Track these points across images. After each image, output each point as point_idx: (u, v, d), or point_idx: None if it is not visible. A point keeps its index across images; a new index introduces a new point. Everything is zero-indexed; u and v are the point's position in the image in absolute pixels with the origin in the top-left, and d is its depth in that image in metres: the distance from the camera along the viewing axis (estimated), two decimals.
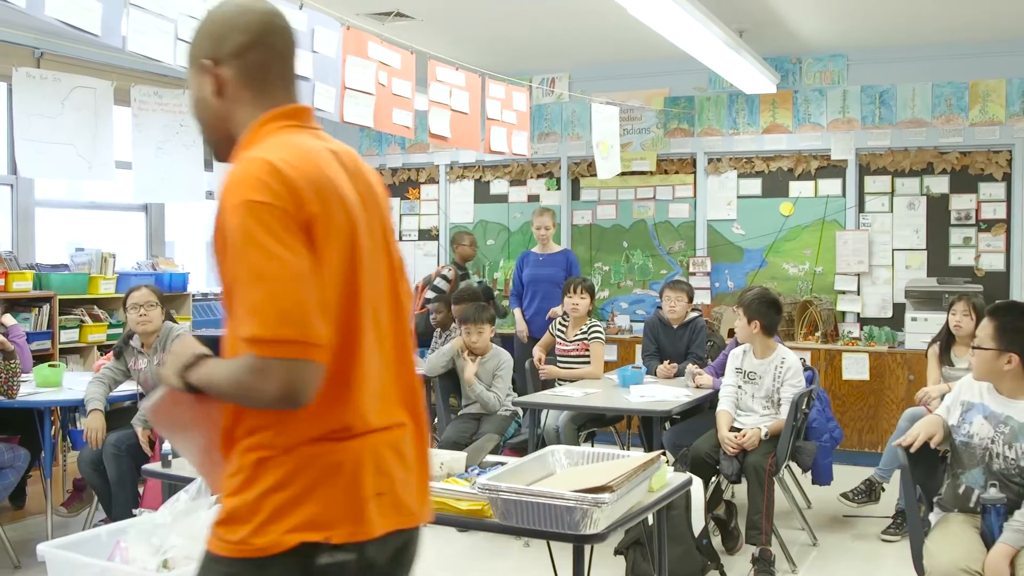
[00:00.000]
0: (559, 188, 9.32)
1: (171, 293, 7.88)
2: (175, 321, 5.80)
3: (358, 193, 1.99)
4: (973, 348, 3.77)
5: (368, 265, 1.97)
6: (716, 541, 5.32)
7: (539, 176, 9.42)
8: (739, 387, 5.56)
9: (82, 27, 3.48)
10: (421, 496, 2.10)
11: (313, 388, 1.81)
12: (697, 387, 6.00)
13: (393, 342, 2.05)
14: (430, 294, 8.28)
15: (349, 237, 1.92)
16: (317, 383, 1.81)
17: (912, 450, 3.72)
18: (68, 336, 7.47)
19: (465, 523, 3.30)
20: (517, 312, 8.09)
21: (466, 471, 3.59)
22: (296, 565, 1.86)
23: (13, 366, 5.38)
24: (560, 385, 6.45)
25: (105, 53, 7.55)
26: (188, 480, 3.06)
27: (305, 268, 1.79)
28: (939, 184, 7.99)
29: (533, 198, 9.41)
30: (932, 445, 3.74)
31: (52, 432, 5.70)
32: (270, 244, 1.77)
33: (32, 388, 5.72)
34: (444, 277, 8.56)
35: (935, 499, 3.85)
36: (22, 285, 7.15)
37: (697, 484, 4.52)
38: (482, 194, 9.71)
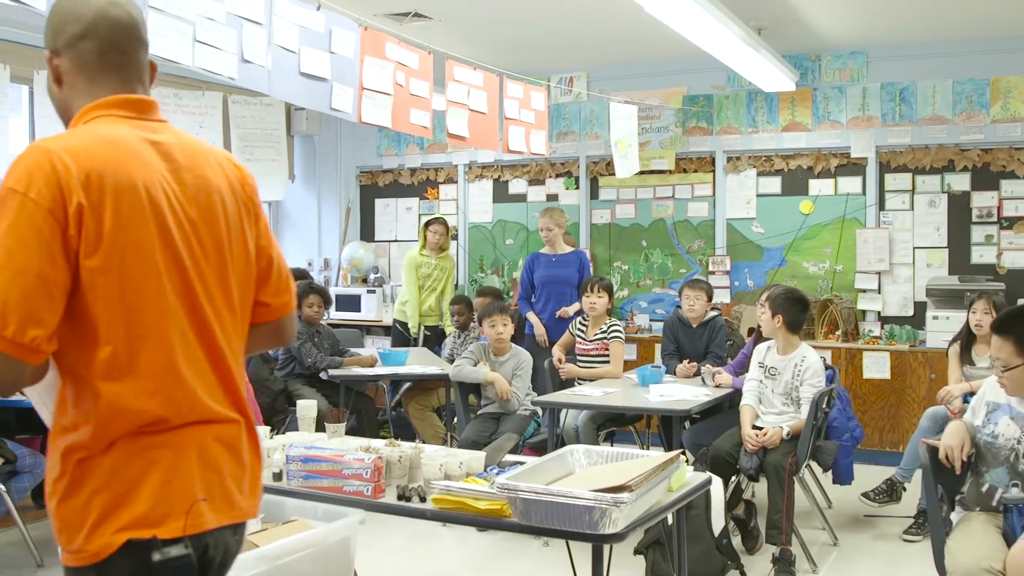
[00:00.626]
0: (578, 187, 9.31)
1: None
2: None
3: (182, 187, 2.00)
4: (1001, 372, 3.65)
5: (182, 257, 1.96)
6: (736, 541, 5.30)
7: (558, 175, 9.42)
8: (761, 382, 5.55)
9: None
10: (252, 492, 2.09)
11: (10, 382, 1.80)
12: (716, 386, 5.98)
13: (222, 337, 2.04)
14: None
15: (141, 228, 1.90)
16: (15, 379, 1.80)
17: (958, 472, 3.70)
18: None
19: (484, 523, 3.30)
20: (532, 316, 7.87)
21: (485, 470, 3.59)
22: (133, 565, 1.85)
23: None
24: (579, 384, 6.44)
25: None
26: None
27: (34, 266, 1.77)
28: (960, 182, 7.94)
29: (552, 197, 9.40)
30: (964, 456, 3.70)
31: None
32: (4, 234, 1.77)
33: None
34: None
35: (957, 498, 3.83)
36: None
37: (717, 484, 4.51)
38: (501, 194, 9.71)
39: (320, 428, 4.38)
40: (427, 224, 8.61)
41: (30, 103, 7.34)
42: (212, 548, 1.96)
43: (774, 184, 8.58)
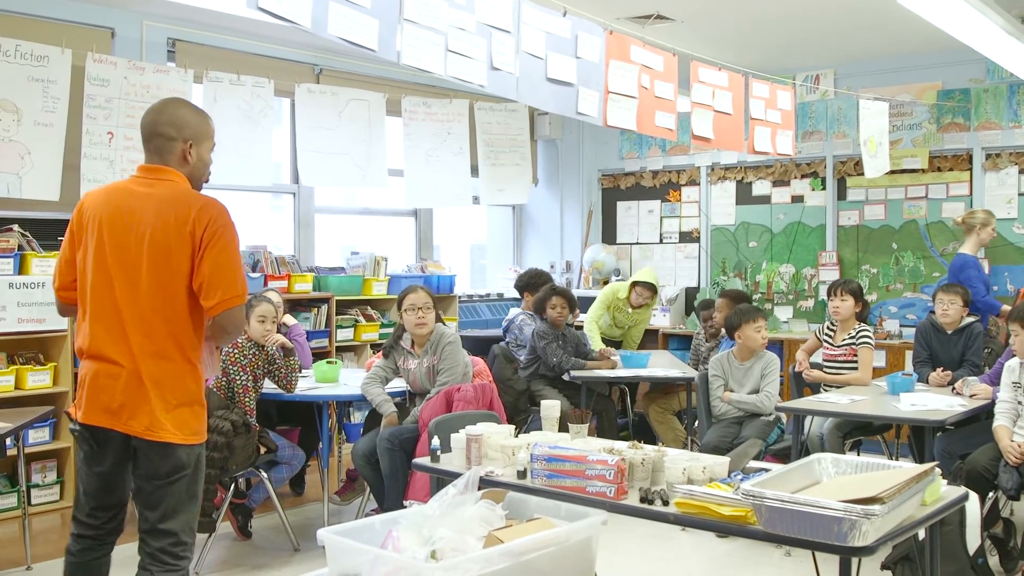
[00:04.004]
0: (824, 188, 9.06)
1: (438, 295, 8.09)
2: (443, 323, 5.97)
3: (130, 217, 3.34)
4: None
5: (110, 255, 3.33)
6: (993, 561, 5.03)
7: (803, 176, 9.20)
8: (1020, 402, 5.21)
9: (361, 43, 3.66)
10: (133, 417, 3.30)
11: (59, 311, 3.63)
12: (972, 396, 5.69)
13: (129, 314, 3.31)
14: None
15: (91, 239, 3.38)
16: (59, 310, 3.62)
17: None
18: (344, 335, 7.90)
19: (727, 529, 3.26)
20: None
21: (729, 476, 3.56)
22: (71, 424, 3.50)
23: (292, 363, 5.72)
24: (825, 391, 6.27)
25: (377, 67, 7.94)
26: (456, 475, 3.17)
27: (64, 253, 3.51)
28: None
29: (797, 199, 9.20)
30: None
31: (329, 425, 6.02)
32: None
33: (311, 383, 6.07)
34: None
35: None
36: (303, 287, 7.63)
37: (973, 500, 4.29)
38: (744, 195, 9.57)
39: (563, 428, 4.45)
40: (633, 284, 8.12)
41: (292, 115, 7.77)
42: (101, 436, 3.34)
43: None
